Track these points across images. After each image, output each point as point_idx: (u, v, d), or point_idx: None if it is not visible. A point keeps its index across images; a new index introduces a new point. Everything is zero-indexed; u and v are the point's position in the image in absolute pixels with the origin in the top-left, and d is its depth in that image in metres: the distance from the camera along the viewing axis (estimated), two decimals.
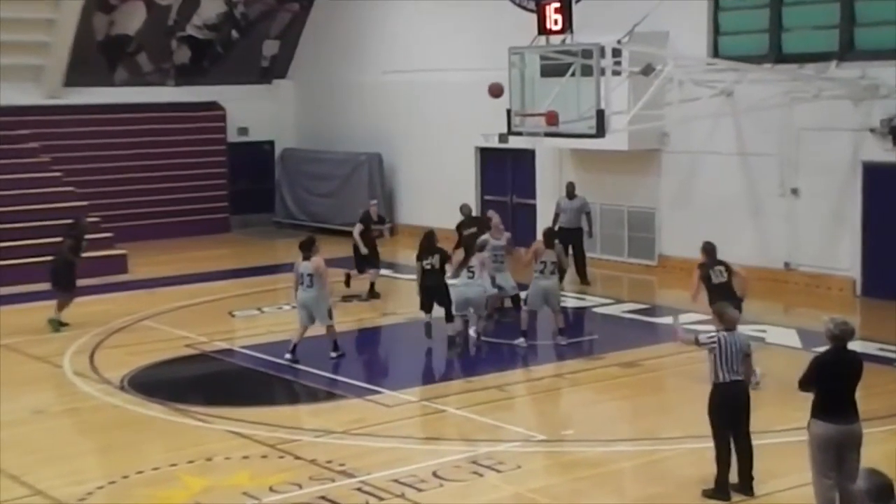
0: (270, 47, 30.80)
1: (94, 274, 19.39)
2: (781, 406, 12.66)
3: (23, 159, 25.37)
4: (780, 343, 16.61)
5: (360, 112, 28.93)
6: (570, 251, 20.06)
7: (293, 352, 15.90)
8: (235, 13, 29.73)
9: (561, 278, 17.35)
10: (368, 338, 18.37)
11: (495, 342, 17.07)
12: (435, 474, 11.45)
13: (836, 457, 9.42)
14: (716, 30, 21.63)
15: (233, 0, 29.52)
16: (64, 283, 18.36)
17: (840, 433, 9.40)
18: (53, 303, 18.52)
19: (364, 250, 20.45)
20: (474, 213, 21.47)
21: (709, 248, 15.01)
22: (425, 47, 26.80)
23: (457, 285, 16.76)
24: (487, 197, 25.74)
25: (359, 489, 11.09)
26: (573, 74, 16.86)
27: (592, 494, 11.06)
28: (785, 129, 20.14)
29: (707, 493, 10.67)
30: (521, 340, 16.71)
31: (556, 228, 20.04)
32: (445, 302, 16.87)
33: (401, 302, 19.26)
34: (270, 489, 11.15)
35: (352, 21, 28.92)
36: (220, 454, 12.23)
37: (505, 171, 25.77)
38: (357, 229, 20.61)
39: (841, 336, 9.52)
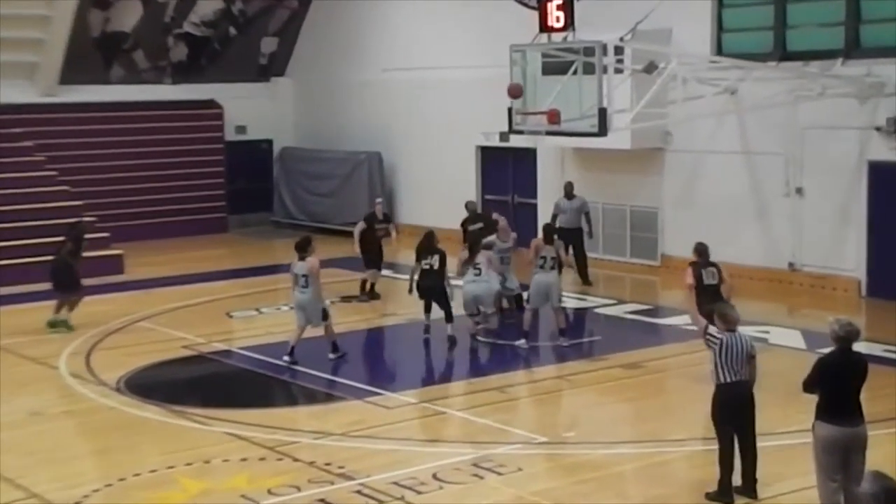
0: (269, 45, 30.70)
1: (90, 274, 19.28)
2: (785, 408, 12.64)
3: (17, 158, 25.24)
4: (785, 344, 16.55)
5: (359, 110, 28.83)
6: (570, 252, 19.93)
7: (291, 353, 15.79)
8: (233, 10, 29.63)
9: (559, 271, 17.25)
10: (368, 339, 18.25)
11: (496, 343, 16.93)
12: (435, 477, 11.39)
13: (842, 459, 9.36)
14: (719, 27, 21.54)
15: None
16: (66, 285, 18.26)
17: (845, 435, 9.34)
18: (51, 303, 18.40)
19: (357, 250, 20.25)
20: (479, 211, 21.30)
21: (701, 249, 15.01)
22: (426, 45, 26.70)
23: (464, 284, 16.66)
24: (488, 196, 25.63)
25: (358, 492, 11.03)
26: (575, 72, 16.81)
27: (594, 497, 10.97)
28: (789, 128, 20.07)
29: (710, 496, 10.60)
30: (522, 342, 16.62)
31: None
32: (443, 302, 16.83)
33: (401, 303, 19.13)
34: (269, 492, 11.09)
35: (351, 18, 28.83)
36: (217, 456, 12.16)
37: (506, 171, 25.68)
38: (358, 227, 20.42)
39: (846, 337, 9.45)
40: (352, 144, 28.58)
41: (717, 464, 10.56)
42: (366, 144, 28.17)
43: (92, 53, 28.13)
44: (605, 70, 16.33)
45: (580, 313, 19.38)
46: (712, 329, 10.56)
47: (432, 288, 16.88)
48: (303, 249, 15.89)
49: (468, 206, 20.38)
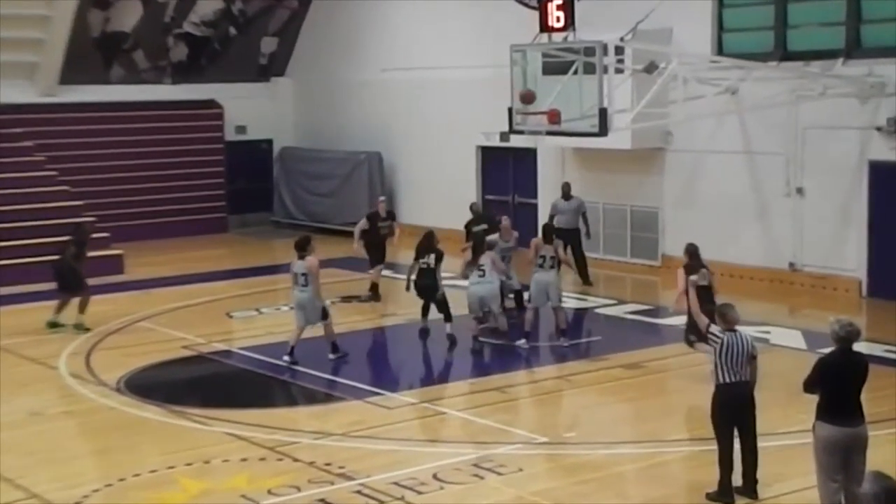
0: (269, 45, 30.67)
1: (91, 274, 19.21)
2: (786, 408, 12.65)
3: (17, 158, 25.20)
4: (785, 344, 16.54)
5: (359, 110, 28.81)
6: (569, 252, 19.92)
7: (291, 353, 15.77)
8: (233, 10, 29.60)
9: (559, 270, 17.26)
10: (368, 339, 18.21)
11: (497, 343, 16.90)
12: (435, 477, 11.37)
13: (842, 460, 9.34)
14: (720, 27, 21.51)
15: None
16: (70, 287, 18.26)
17: (846, 436, 9.32)
18: (51, 304, 18.39)
19: (356, 247, 20.17)
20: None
21: (692, 250, 15.05)
22: (426, 44, 26.68)
23: (469, 285, 16.71)
24: (489, 196, 25.61)
25: (358, 492, 11.01)
26: (575, 72, 16.78)
27: (595, 497, 10.95)
28: (790, 128, 20.05)
29: (711, 497, 10.59)
30: (522, 342, 16.59)
31: None
32: (437, 301, 16.92)
33: (401, 303, 19.10)
34: (269, 492, 11.07)
35: (351, 18, 28.80)
36: (217, 457, 12.14)
37: (506, 171, 25.66)
38: (359, 225, 20.33)
39: (846, 337, 9.42)
40: (352, 144, 28.55)
41: (717, 464, 10.53)
42: (366, 144, 28.14)
43: (92, 53, 28.10)
44: (605, 70, 16.28)
45: (580, 313, 19.36)
46: (714, 329, 10.55)
47: (429, 287, 16.93)
48: (302, 248, 15.88)
49: (472, 207, 20.34)
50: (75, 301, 18.24)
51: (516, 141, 22.72)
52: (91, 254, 19.94)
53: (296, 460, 11.94)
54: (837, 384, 9.39)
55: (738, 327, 10.53)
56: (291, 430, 13.12)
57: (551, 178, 24.04)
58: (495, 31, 23.17)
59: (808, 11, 20.49)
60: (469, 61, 24.75)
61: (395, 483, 11.15)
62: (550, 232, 17.25)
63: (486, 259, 16.65)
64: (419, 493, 10.94)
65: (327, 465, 11.72)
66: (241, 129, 30.21)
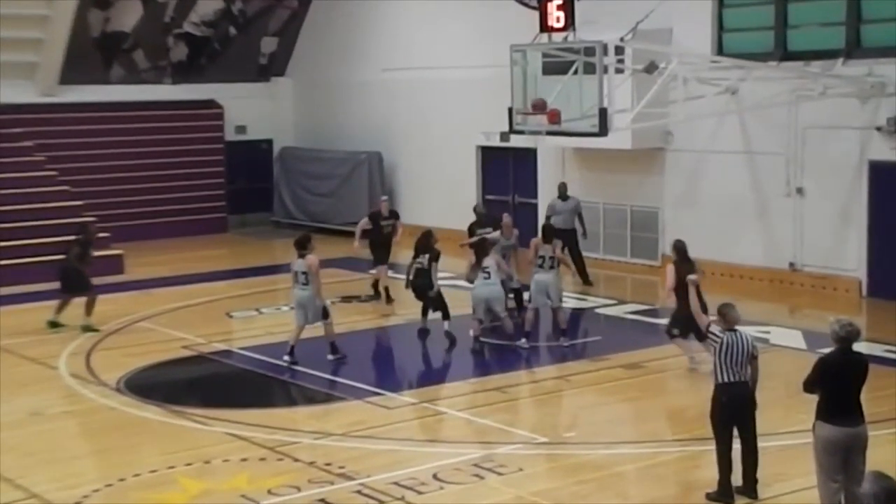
0: (269, 44, 30.66)
1: (90, 274, 19.23)
2: (786, 408, 12.67)
3: (17, 158, 25.19)
4: (785, 344, 16.53)
5: (359, 110, 28.80)
6: (566, 252, 19.89)
7: (291, 353, 15.75)
8: (233, 10, 29.59)
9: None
10: (368, 339, 18.21)
11: (497, 343, 16.90)
12: (435, 477, 11.36)
13: (842, 460, 9.33)
14: (720, 27, 21.50)
15: None
16: (75, 288, 18.25)
17: (846, 436, 9.31)
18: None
19: (356, 245, 20.09)
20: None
21: (680, 247, 15.13)
22: (426, 44, 26.67)
23: (474, 287, 16.75)
24: (489, 196, 25.61)
25: (358, 492, 11.00)
26: (575, 72, 16.79)
27: (595, 498, 10.94)
28: (790, 128, 20.04)
29: (711, 497, 10.58)
30: (522, 341, 16.58)
31: None
32: (432, 299, 16.99)
33: (401, 303, 19.10)
34: (269, 492, 11.06)
35: (351, 18, 28.79)
36: (218, 457, 12.13)
37: (506, 170, 25.64)
38: (361, 223, 20.24)
39: (846, 337, 9.41)
40: (352, 144, 28.54)
41: (717, 464, 10.53)
42: (366, 144, 28.12)
43: (92, 53, 28.08)
44: (605, 70, 16.29)
45: (580, 313, 19.35)
46: (714, 328, 10.54)
47: (423, 286, 17.04)
48: (302, 247, 15.87)
49: (476, 209, 20.29)
50: (77, 302, 18.23)
51: (516, 141, 22.72)
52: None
53: (296, 460, 11.93)
54: (837, 384, 9.38)
55: (738, 327, 10.52)
56: (291, 430, 13.10)
57: (551, 178, 24.00)
58: (495, 31, 23.15)
59: (808, 11, 20.48)
60: (469, 61, 24.75)
61: (395, 483, 11.14)
62: (550, 232, 17.25)
63: (490, 261, 16.64)
64: (419, 493, 10.93)
65: (327, 465, 11.71)
66: (241, 129, 30.21)
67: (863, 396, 9.52)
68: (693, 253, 15.33)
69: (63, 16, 26.63)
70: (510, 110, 17.43)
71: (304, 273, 15.71)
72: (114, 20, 28.24)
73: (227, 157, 29.58)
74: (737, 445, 10.51)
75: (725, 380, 10.32)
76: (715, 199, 21.41)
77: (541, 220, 22.25)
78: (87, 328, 18.02)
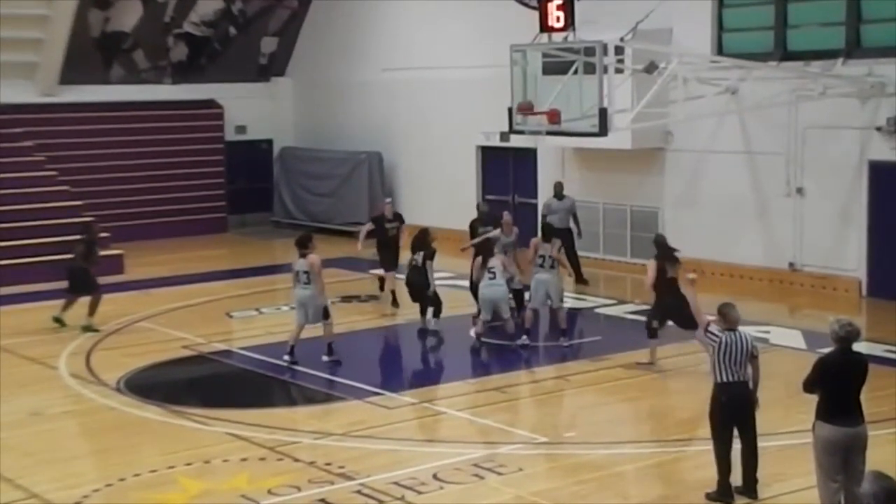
0: (269, 44, 30.66)
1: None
2: (786, 408, 12.64)
3: (17, 158, 25.17)
4: (785, 344, 16.53)
5: (359, 110, 28.79)
6: (562, 253, 19.86)
7: (291, 353, 15.74)
8: (233, 10, 29.58)
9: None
10: (368, 339, 18.20)
11: (497, 343, 16.89)
12: (435, 477, 11.36)
13: (842, 460, 9.33)
14: (720, 27, 21.50)
15: None
16: (80, 287, 18.26)
17: (846, 436, 9.30)
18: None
19: (360, 247, 20.04)
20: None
21: (660, 241, 15.29)
22: (426, 44, 26.67)
23: (481, 288, 16.75)
24: (489, 196, 25.55)
25: (358, 492, 11.00)
26: (575, 72, 16.79)
27: (595, 497, 10.93)
28: (790, 128, 20.04)
29: (710, 497, 10.58)
30: (523, 338, 16.61)
31: None
32: (428, 297, 17.08)
33: (401, 303, 19.08)
34: (269, 492, 11.06)
35: (351, 18, 28.79)
36: (217, 457, 12.12)
37: (506, 170, 25.63)
38: (365, 227, 20.14)
39: (846, 337, 9.40)
40: (352, 144, 28.53)
41: (716, 464, 10.52)
42: (366, 144, 28.12)
43: (92, 53, 28.08)
44: (605, 70, 16.28)
45: (580, 313, 19.35)
46: (713, 328, 10.53)
47: (417, 284, 17.10)
48: (303, 246, 15.86)
49: (479, 207, 20.26)
50: (83, 301, 18.24)
51: (516, 141, 22.72)
52: None
53: (296, 460, 11.92)
54: (837, 384, 9.37)
55: (738, 327, 10.53)
56: (291, 430, 13.10)
57: (551, 178, 23.93)
58: (495, 31, 23.14)
59: (808, 11, 20.48)
60: (469, 61, 24.74)
61: (395, 483, 11.14)
62: (550, 231, 17.26)
63: (496, 262, 16.63)
64: (419, 493, 10.93)
65: (327, 465, 11.71)
66: (241, 129, 30.20)
67: (863, 396, 9.51)
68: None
69: (63, 16, 26.62)
70: (510, 110, 17.43)
71: (305, 272, 15.70)
72: (114, 20, 28.24)
73: (226, 157, 29.58)
74: (736, 445, 10.51)
75: (725, 379, 10.31)
76: (715, 199, 21.40)
77: (541, 220, 22.27)
78: (88, 328, 18.02)
